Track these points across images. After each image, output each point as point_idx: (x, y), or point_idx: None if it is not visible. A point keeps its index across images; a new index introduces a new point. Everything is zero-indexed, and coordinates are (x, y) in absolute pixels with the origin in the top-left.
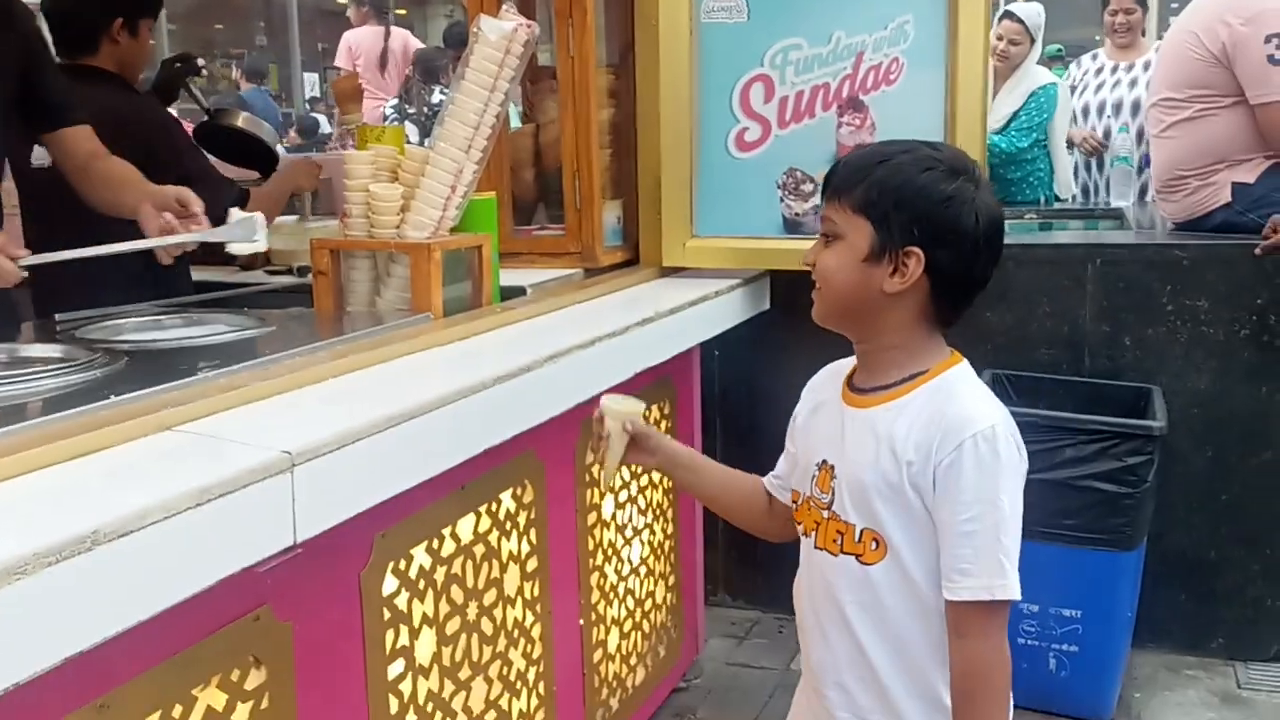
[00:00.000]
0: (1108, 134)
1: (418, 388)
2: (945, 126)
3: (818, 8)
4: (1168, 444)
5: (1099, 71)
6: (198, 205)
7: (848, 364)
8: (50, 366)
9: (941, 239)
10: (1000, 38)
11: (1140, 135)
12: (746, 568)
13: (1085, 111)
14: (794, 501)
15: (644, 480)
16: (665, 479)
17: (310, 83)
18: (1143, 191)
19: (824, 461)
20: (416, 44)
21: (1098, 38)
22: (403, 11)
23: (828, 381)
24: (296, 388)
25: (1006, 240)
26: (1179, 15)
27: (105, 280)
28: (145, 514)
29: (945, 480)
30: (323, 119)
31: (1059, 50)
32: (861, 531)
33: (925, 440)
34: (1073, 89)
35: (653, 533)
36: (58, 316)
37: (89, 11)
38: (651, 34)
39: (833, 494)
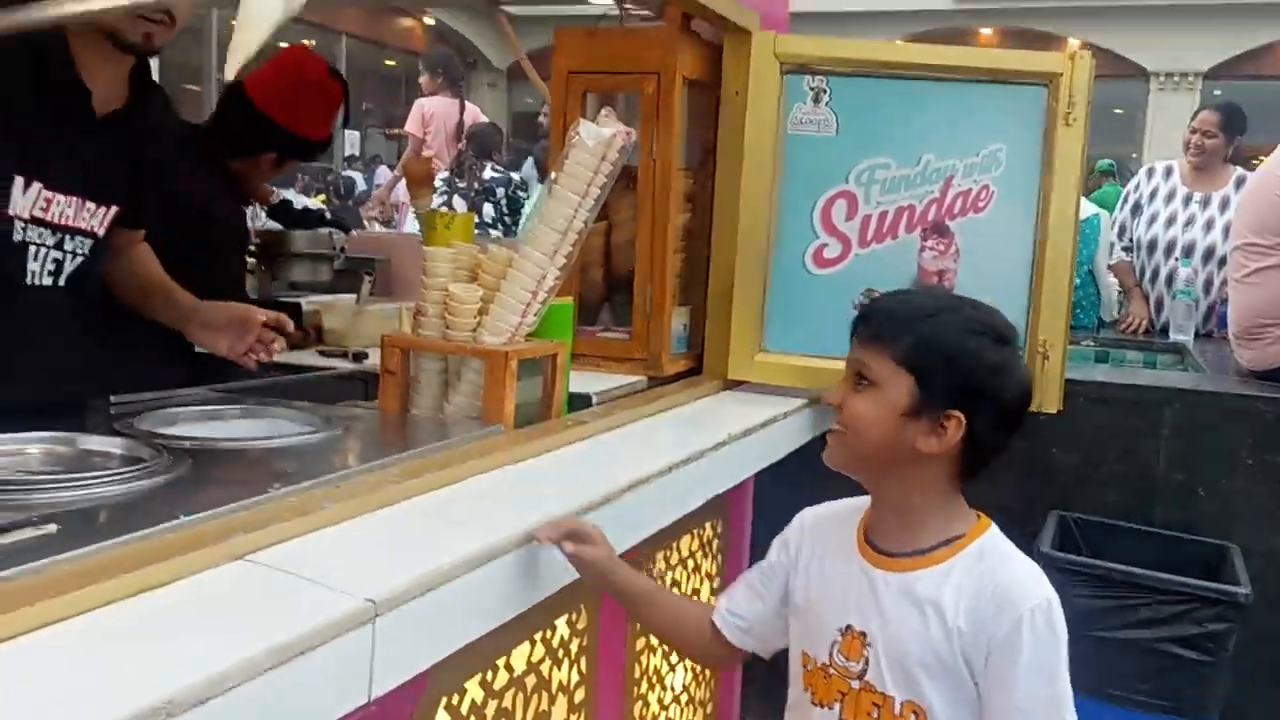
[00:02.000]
0: (1171, 277)
1: (497, 518)
2: (1034, 258)
3: (909, 129)
4: (1247, 609)
5: (1170, 198)
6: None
7: (848, 511)
8: (113, 469)
9: (984, 406)
10: None
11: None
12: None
13: (1152, 246)
14: (804, 665)
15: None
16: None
17: (351, 140)
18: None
19: (849, 627)
20: (485, 120)
21: (1135, 155)
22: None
23: (826, 531)
24: (370, 510)
25: (1080, 376)
26: (1266, 159)
27: (150, 350)
28: (225, 678)
29: (1001, 655)
30: (359, 177)
31: (1110, 165)
32: (902, 704)
33: (978, 610)
34: (1137, 206)
35: None
36: (112, 399)
37: (252, 144)
38: (736, 141)
39: (866, 663)
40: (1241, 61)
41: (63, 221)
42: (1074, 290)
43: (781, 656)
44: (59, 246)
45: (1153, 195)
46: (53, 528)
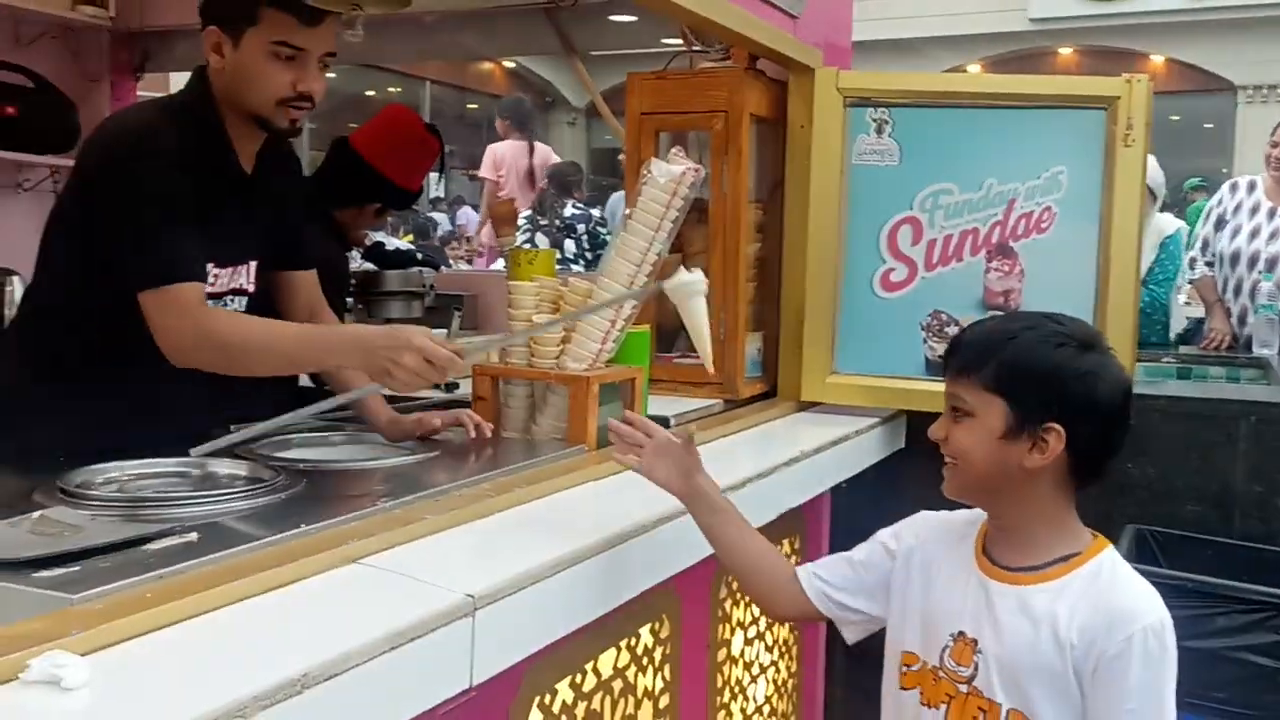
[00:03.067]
0: (1254, 290)
1: (581, 528)
2: (1098, 276)
3: (970, 155)
4: None
5: (1254, 211)
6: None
7: (965, 523)
8: (239, 488)
9: (1080, 413)
10: None
11: None
12: (867, 707)
13: (1235, 259)
14: (906, 665)
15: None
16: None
17: (436, 182)
18: None
19: (961, 634)
20: (556, 159)
21: (1225, 170)
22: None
23: (943, 538)
24: (467, 521)
25: (1154, 390)
26: None
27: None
28: (348, 657)
29: (1110, 671)
30: (443, 218)
31: (1200, 182)
32: (1008, 711)
33: (1090, 626)
34: (1220, 220)
35: (777, 670)
36: (233, 427)
37: (360, 195)
38: (803, 173)
39: (975, 669)
40: None
41: (224, 290)
42: (1159, 307)
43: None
44: (220, 308)
45: (1236, 209)
46: (194, 536)
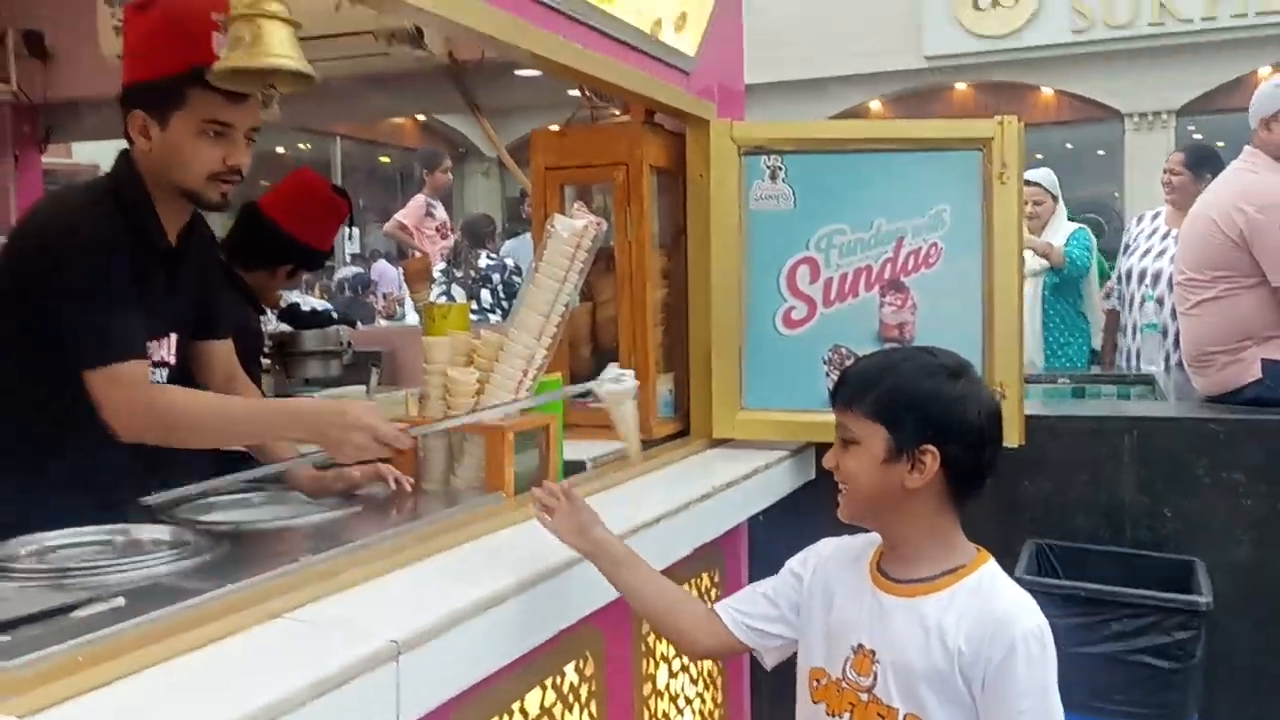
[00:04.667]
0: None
1: (500, 571)
2: (984, 305)
3: (860, 197)
4: (1213, 617)
5: (1152, 234)
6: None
7: (862, 545)
8: (163, 552)
9: (952, 435)
10: (1025, 202)
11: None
12: None
13: (1128, 277)
14: (815, 680)
15: None
16: None
17: (352, 237)
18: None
19: (860, 645)
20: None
21: (1116, 193)
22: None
23: (842, 560)
24: (389, 571)
25: (1045, 411)
26: (1197, 199)
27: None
28: (275, 707)
29: (999, 676)
30: (360, 271)
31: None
32: (905, 715)
33: (976, 634)
34: (1127, 246)
35: (703, 701)
36: (153, 495)
37: (272, 258)
38: (703, 220)
39: (874, 678)
40: (1214, 96)
41: (152, 360)
42: (1067, 320)
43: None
44: (155, 370)
45: (1139, 235)
46: (121, 601)
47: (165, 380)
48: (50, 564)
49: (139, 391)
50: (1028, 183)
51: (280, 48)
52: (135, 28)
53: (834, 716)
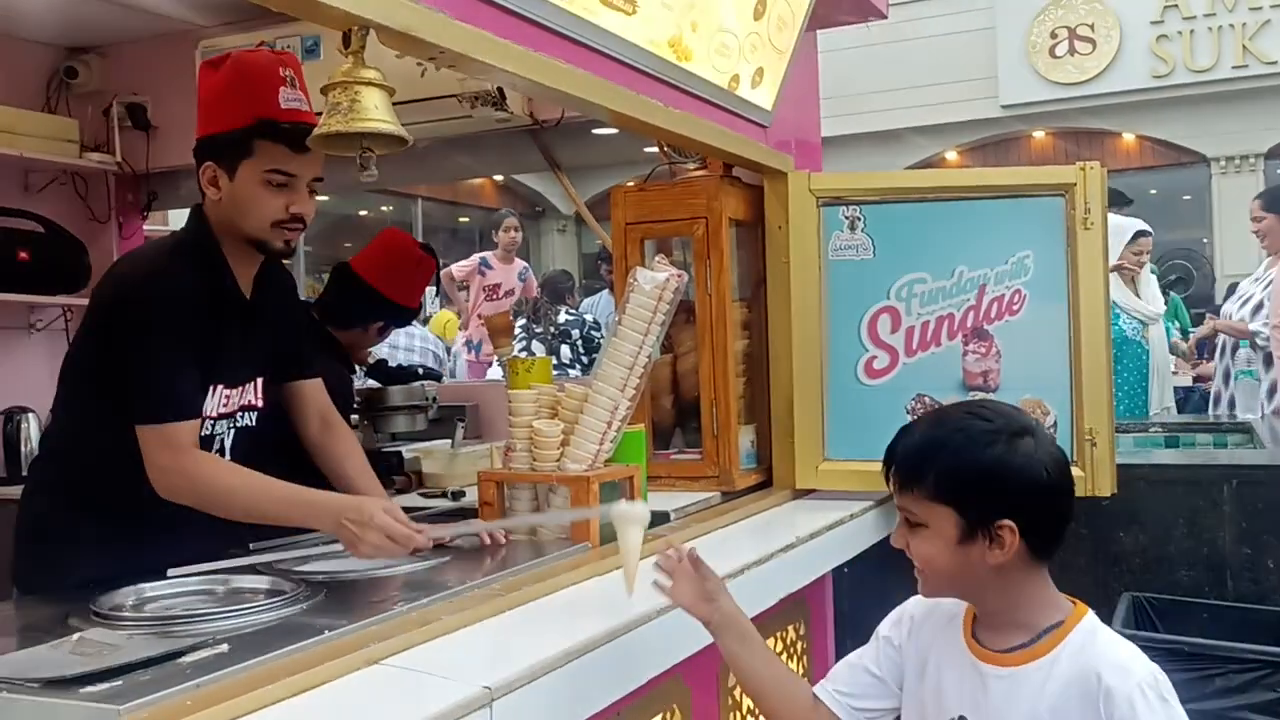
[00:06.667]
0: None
1: (588, 620)
2: (1070, 351)
3: (940, 245)
4: None
5: (1256, 280)
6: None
7: (953, 608)
8: (263, 601)
9: (1027, 503)
10: (1139, 252)
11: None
12: None
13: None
14: None
15: None
16: None
17: (432, 296)
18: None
19: (963, 718)
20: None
21: (1205, 240)
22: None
23: (936, 627)
24: (480, 619)
25: (1139, 460)
26: None
27: None
28: None
29: None
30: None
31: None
32: None
33: (1088, 695)
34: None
35: None
36: (251, 545)
37: (363, 315)
38: (782, 271)
39: None
40: None
41: (235, 408)
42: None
43: None
44: (232, 425)
45: (1247, 282)
46: (225, 647)
47: (254, 422)
48: (155, 613)
49: (184, 456)
50: (1144, 233)
51: (376, 113)
52: (207, 84)
53: None
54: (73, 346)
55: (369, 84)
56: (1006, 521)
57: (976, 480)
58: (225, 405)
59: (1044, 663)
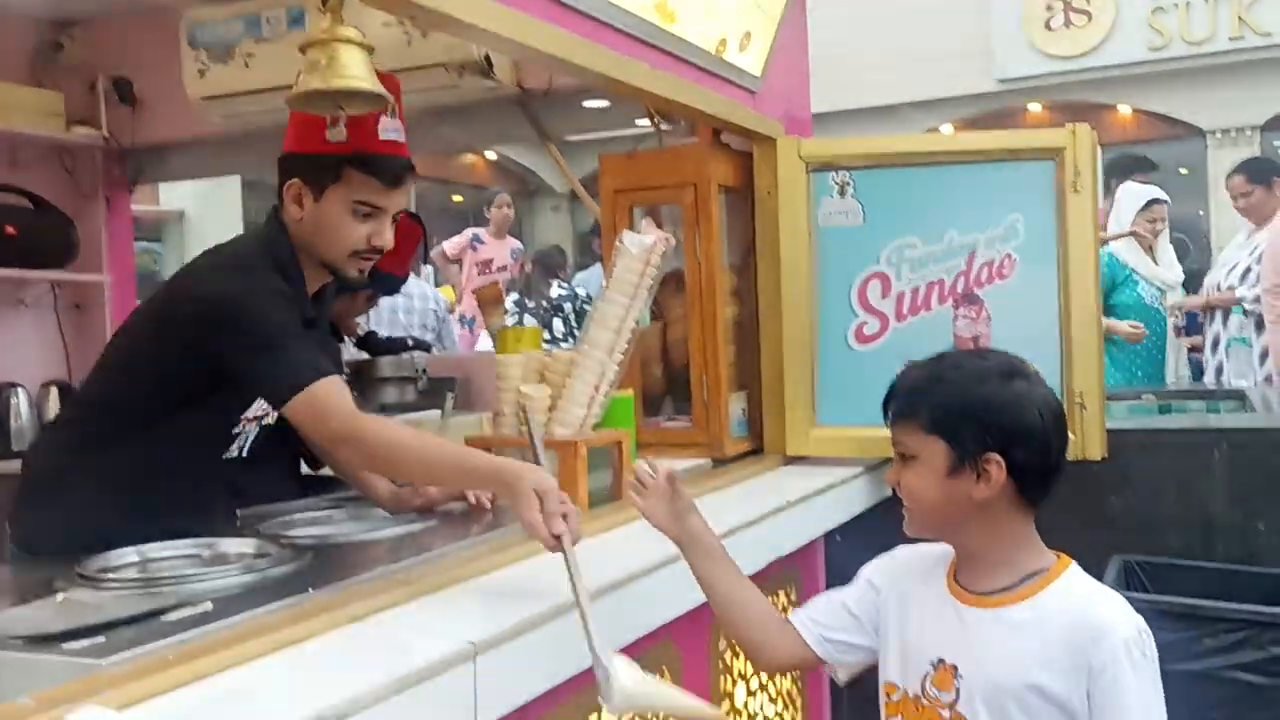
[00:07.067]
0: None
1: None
2: (1060, 315)
3: (930, 210)
4: None
5: (1240, 248)
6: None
7: (938, 555)
8: (247, 561)
9: (1014, 440)
10: (1154, 219)
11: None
12: None
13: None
14: (887, 695)
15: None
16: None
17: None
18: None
19: (941, 660)
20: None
21: (1202, 212)
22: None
23: (918, 571)
24: (465, 580)
25: (1131, 424)
26: None
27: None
28: (357, 701)
29: (1107, 687)
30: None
31: None
32: None
33: (1073, 643)
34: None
35: None
36: (239, 512)
37: (346, 290)
38: (772, 238)
39: (957, 693)
40: None
41: (267, 411)
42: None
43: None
44: (259, 425)
45: (1231, 249)
46: (208, 606)
47: (274, 420)
48: (141, 575)
49: (337, 415)
50: (1158, 200)
51: (354, 70)
52: None
53: None
54: (133, 316)
55: (347, 41)
56: (994, 455)
57: (966, 412)
58: (261, 408)
59: (1025, 606)
